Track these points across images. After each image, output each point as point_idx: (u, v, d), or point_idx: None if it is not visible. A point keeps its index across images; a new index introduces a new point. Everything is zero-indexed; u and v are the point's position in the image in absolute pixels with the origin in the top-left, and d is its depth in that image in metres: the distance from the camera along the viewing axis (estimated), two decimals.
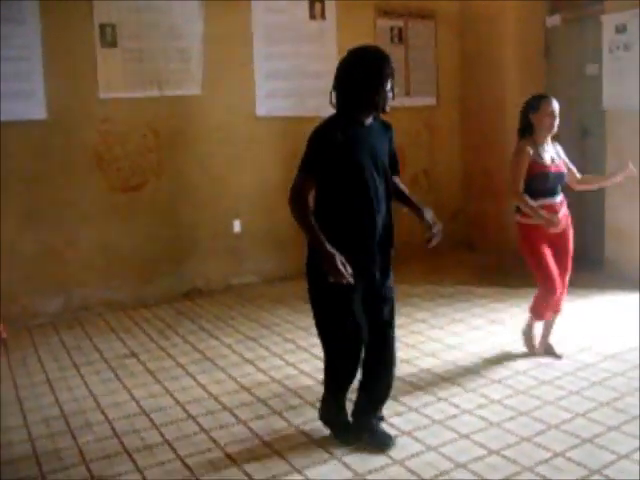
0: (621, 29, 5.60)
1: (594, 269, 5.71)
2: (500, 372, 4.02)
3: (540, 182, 4.00)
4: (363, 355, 3.16)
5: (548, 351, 4.24)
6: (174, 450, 3.23)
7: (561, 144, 4.25)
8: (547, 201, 4.02)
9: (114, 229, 5.65)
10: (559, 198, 4.09)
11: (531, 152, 4.00)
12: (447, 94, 7.26)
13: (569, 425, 3.31)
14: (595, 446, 3.10)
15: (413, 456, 3.07)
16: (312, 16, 6.38)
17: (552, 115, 4.00)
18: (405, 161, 5.87)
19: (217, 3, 5.86)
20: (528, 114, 4.05)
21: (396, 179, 3.24)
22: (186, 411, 3.65)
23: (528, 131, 4.07)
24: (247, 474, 2.99)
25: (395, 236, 3.13)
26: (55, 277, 5.44)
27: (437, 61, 7.17)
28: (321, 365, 4.19)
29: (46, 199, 5.37)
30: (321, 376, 4.00)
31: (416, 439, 3.23)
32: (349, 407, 3.33)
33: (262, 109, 6.21)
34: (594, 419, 3.36)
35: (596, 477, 2.84)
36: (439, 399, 3.67)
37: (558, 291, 4.07)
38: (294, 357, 4.39)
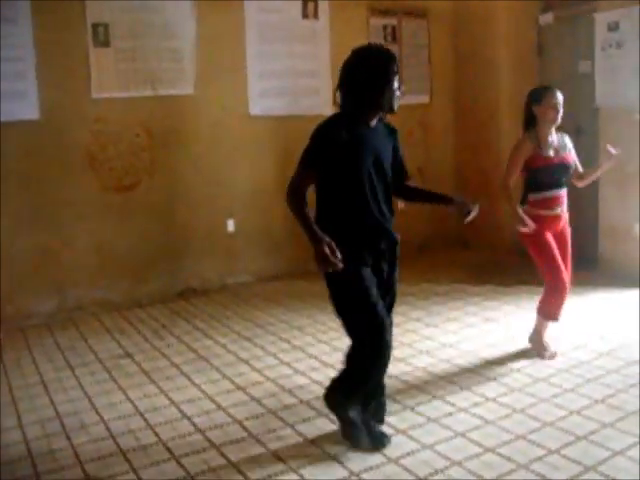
0: (613, 27, 5.62)
1: (588, 267, 5.72)
2: (495, 370, 4.02)
3: (544, 174, 3.95)
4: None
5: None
6: (169, 450, 3.22)
7: None
8: (552, 193, 3.97)
9: (108, 229, 5.62)
10: (564, 190, 4.02)
11: (532, 146, 3.95)
12: (441, 92, 7.27)
13: (564, 422, 3.31)
14: (590, 443, 3.10)
15: (408, 454, 3.08)
16: (305, 15, 6.37)
17: (556, 107, 3.90)
18: None
19: (210, 3, 5.84)
20: (531, 106, 3.97)
21: (410, 182, 3.25)
22: (181, 411, 3.64)
23: (531, 123, 3.99)
24: (242, 473, 2.99)
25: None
26: (49, 277, 5.41)
27: (431, 59, 7.17)
28: (316, 364, 4.22)
29: (39, 199, 5.34)
30: (315, 375, 4.02)
31: (411, 437, 3.23)
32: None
33: (255, 108, 6.20)
34: (589, 416, 3.36)
35: (591, 474, 2.85)
36: (434, 397, 3.67)
37: (567, 284, 4.00)
38: (289, 356, 4.38)
